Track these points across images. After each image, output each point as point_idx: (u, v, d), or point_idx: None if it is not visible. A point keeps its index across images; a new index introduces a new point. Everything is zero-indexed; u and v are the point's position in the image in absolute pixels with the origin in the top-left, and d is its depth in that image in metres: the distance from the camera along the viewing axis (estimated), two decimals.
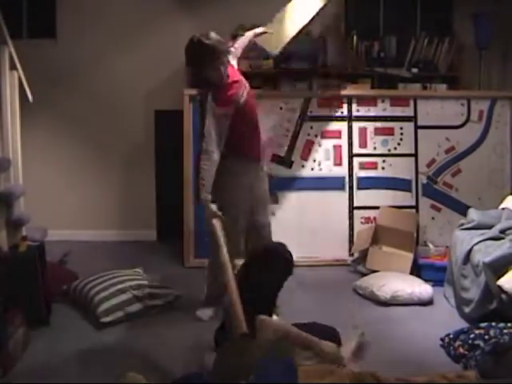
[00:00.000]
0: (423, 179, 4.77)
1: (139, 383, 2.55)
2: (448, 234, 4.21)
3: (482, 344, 2.84)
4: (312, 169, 4.71)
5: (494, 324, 3.04)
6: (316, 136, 4.72)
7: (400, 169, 4.76)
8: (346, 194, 4.72)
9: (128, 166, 5.45)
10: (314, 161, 4.71)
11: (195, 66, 3.34)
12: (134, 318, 3.48)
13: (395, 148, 4.77)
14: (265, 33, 3.92)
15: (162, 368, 2.85)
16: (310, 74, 5.11)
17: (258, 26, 3.97)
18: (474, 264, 3.45)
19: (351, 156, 4.74)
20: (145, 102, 5.39)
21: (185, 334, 3.30)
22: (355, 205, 4.73)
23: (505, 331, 2.91)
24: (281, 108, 4.68)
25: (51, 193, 5.31)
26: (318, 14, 4.20)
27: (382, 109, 4.76)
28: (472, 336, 2.95)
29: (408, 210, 4.72)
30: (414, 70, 5.18)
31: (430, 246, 4.50)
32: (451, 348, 2.99)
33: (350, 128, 4.74)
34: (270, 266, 2.75)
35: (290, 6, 4.22)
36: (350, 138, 4.74)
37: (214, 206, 3.19)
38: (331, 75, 5.10)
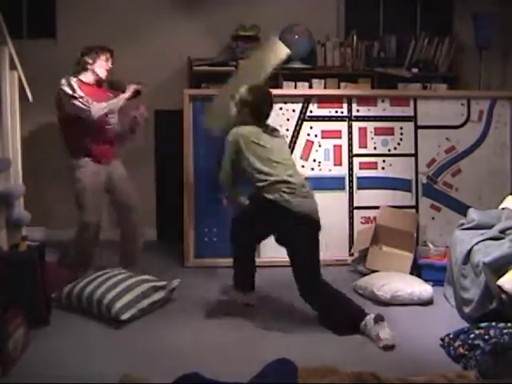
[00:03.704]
0: (423, 179, 4.77)
1: (139, 383, 2.55)
2: (448, 234, 4.20)
3: (482, 344, 2.84)
4: (312, 169, 4.70)
5: (494, 324, 3.04)
6: (316, 136, 4.72)
7: (400, 169, 4.76)
8: (346, 194, 4.72)
9: (128, 166, 5.43)
10: (314, 161, 4.71)
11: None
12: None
13: (395, 148, 4.77)
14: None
15: (162, 368, 2.85)
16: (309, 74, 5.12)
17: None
18: (473, 264, 3.45)
19: (351, 156, 4.74)
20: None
21: (184, 333, 3.31)
22: (355, 205, 4.73)
23: (505, 331, 2.91)
24: (281, 108, 4.68)
25: (51, 193, 5.30)
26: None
27: (382, 109, 4.77)
28: (472, 336, 2.95)
29: (408, 210, 4.72)
30: (414, 70, 5.18)
31: (430, 245, 4.50)
32: (451, 348, 2.99)
33: (349, 128, 4.74)
34: None
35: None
36: (350, 138, 4.74)
37: None
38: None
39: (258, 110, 3.59)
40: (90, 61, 4.05)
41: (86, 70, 4.06)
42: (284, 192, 3.39)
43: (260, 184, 3.44)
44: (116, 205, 4.26)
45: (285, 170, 3.48)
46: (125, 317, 3.39)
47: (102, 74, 4.09)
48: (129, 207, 4.20)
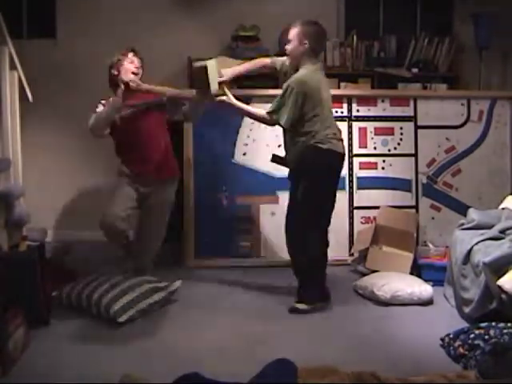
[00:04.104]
0: (423, 179, 4.77)
1: (139, 383, 2.55)
2: (448, 234, 4.20)
3: (482, 344, 2.84)
4: None
5: (494, 324, 3.03)
6: None
7: (400, 169, 4.76)
8: (346, 194, 4.72)
9: None
10: None
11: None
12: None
13: (395, 148, 4.77)
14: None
15: (162, 368, 2.85)
16: None
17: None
18: (473, 264, 3.45)
19: (351, 156, 4.74)
20: None
21: (184, 333, 3.31)
22: (355, 205, 4.73)
23: (505, 331, 2.91)
24: None
25: (51, 193, 5.31)
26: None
27: (382, 109, 4.77)
28: (472, 336, 2.95)
29: (408, 210, 4.72)
30: (414, 70, 5.18)
31: (430, 245, 4.50)
32: (451, 348, 2.99)
33: (349, 128, 4.74)
34: None
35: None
36: (350, 138, 4.74)
37: None
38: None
39: (320, 43, 3.61)
40: (116, 72, 3.91)
41: (118, 85, 3.89)
42: (332, 139, 3.58)
43: (312, 133, 3.51)
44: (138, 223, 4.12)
45: (332, 116, 3.65)
46: (122, 319, 3.38)
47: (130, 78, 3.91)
48: (145, 241, 4.09)
